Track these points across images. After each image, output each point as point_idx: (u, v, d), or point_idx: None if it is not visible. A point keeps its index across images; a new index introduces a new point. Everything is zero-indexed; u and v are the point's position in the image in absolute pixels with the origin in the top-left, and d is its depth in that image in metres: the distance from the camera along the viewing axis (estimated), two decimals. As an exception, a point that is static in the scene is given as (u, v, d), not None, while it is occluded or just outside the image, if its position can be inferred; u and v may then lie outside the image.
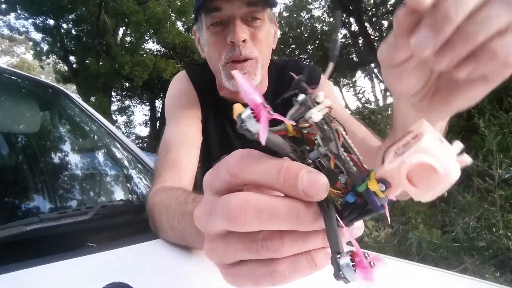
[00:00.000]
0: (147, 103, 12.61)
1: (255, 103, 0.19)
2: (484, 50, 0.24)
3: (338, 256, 0.21)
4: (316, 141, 0.22)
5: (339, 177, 0.21)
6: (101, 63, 9.58)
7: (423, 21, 0.23)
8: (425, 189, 0.20)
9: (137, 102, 13.11)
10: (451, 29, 0.23)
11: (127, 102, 12.79)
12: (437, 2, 0.23)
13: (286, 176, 0.21)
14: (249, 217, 0.21)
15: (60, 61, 11.40)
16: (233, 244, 0.23)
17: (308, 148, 0.22)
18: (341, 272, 0.21)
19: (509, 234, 1.67)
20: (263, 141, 0.19)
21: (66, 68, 11.31)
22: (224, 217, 0.22)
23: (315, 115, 0.20)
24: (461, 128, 2.63)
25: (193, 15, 0.77)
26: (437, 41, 0.23)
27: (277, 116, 0.19)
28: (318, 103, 0.21)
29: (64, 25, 10.29)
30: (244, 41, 0.66)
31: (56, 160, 0.90)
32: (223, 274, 0.26)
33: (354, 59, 8.25)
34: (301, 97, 0.21)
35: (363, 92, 3.74)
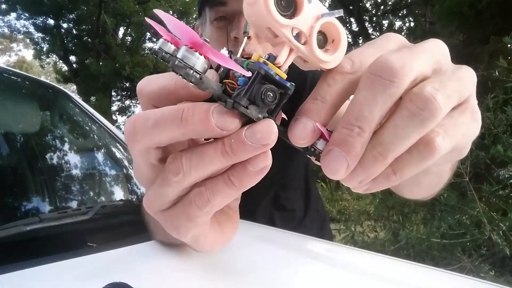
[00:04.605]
0: (147, 103, 12.56)
1: (193, 37, 0.19)
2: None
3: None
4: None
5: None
6: (101, 63, 9.58)
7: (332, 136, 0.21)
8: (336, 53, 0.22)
9: (138, 102, 13.05)
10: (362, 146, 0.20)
11: (127, 102, 12.77)
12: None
13: (177, 78, 0.22)
14: (138, 127, 0.21)
15: (60, 61, 11.39)
16: (156, 182, 0.24)
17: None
18: (313, 149, 0.21)
19: (495, 228, 1.69)
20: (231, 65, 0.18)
21: (66, 68, 11.31)
22: (125, 137, 0.22)
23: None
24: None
25: (197, 9, 0.76)
26: (349, 163, 0.20)
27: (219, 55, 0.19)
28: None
29: (64, 25, 10.28)
30: (249, 37, 0.64)
31: (56, 160, 0.90)
32: (163, 222, 0.26)
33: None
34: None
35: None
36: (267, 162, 0.21)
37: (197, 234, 0.26)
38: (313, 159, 0.22)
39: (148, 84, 0.24)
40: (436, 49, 0.22)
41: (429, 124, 0.20)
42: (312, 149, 0.21)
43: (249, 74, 0.19)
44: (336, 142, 0.20)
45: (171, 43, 0.25)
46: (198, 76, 0.19)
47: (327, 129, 0.21)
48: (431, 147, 0.20)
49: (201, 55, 0.19)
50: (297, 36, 0.21)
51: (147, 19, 0.25)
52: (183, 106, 0.20)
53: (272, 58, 0.21)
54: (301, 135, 0.21)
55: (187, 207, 0.23)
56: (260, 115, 0.20)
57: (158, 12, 0.19)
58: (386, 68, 0.19)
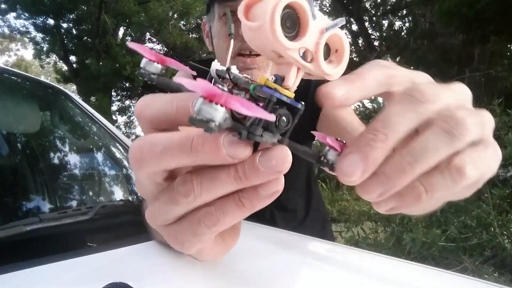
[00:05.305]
0: (147, 103, 12.56)
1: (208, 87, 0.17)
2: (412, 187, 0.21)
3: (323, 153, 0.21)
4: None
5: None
6: (101, 63, 9.57)
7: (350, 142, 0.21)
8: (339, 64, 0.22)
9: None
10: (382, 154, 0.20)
11: (127, 102, 12.77)
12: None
13: (178, 104, 0.21)
14: (145, 153, 0.21)
15: (60, 61, 11.39)
16: (161, 199, 0.23)
17: None
18: (323, 158, 0.21)
19: (504, 232, 1.68)
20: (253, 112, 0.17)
21: (66, 68, 11.30)
22: (130, 162, 0.22)
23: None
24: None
25: (206, 6, 0.76)
26: (366, 167, 0.20)
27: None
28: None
29: (64, 25, 10.28)
30: None
31: (56, 160, 0.90)
32: (166, 236, 0.26)
33: (354, 59, 8.25)
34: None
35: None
36: (279, 186, 0.21)
37: (201, 248, 0.26)
38: (326, 169, 0.21)
39: (147, 107, 0.23)
40: (461, 92, 0.24)
41: (458, 143, 0.21)
42: (325, 161, 0.21)
43: (273, 118, 0.18)
44: (358, 144, 0.20)
45: (157, 62, 0.23)
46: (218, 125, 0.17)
47: (339, 140, 0.21)
48: (462, 172, 0.21)
49: (222, 106, 0.17)
50: (303, 55, 0.21)
51: (128, 44, 0.23)
52: (192, 134, 0.20)
53: (279, 80, 0.20)
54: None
55: (195, 224, 0.23)
56: (274, 140, 0.19)
57: (180, 79, 0.18)
58: (420, 91, 0.21)
